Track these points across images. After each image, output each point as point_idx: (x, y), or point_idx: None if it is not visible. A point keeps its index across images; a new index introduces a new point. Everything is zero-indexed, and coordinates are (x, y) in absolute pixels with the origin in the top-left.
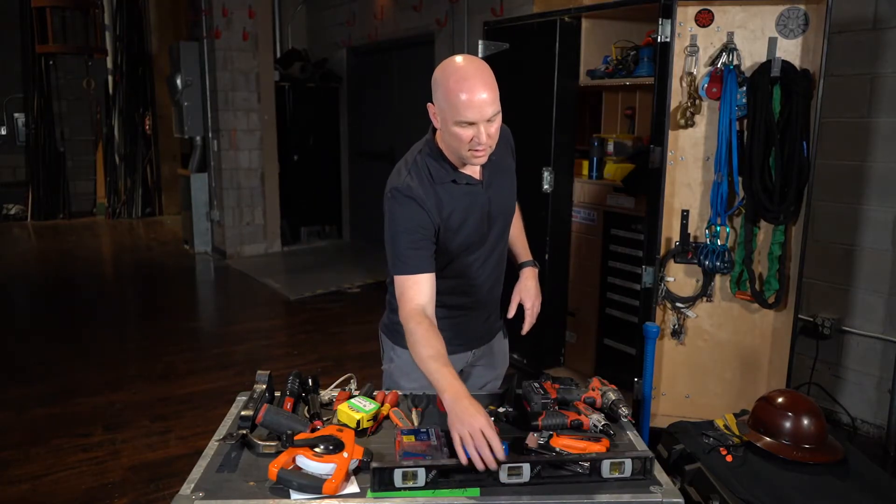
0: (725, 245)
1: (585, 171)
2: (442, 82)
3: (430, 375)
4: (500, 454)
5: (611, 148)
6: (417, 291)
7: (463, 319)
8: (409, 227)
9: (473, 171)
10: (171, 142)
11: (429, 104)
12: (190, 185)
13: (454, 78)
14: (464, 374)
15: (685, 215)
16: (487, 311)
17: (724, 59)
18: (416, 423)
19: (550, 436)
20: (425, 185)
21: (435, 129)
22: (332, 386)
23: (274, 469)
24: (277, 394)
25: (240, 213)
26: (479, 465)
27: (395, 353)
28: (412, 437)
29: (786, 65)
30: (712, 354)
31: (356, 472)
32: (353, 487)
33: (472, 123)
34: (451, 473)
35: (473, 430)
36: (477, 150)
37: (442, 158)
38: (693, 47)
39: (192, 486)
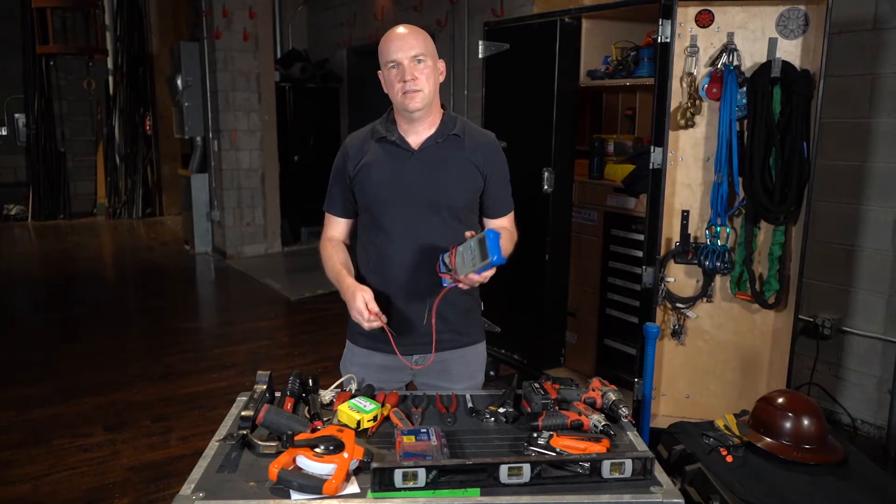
0: (725, 245)
1: (586, 172)
2: (380, 44)
3: (333, 279)
4: (377, 314)
5: (611, 148)
6: (331, 227)
7: (384, 309)
8: (334, 169)
9: (414, 140)
10: (172, 142)
11: (378, 72)
12: (190, 186)
13: (385, 35)
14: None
15: (685, 216)
16: (420, 309)
17: (724, 59)
18: (416, 424)
19: (551, 436)
20: (360, 138)
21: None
22: (333, 386)
23: (274, 469)
24: (278, 394)
25: (240, 214)
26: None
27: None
28: (412, 438)
29: (786, 65)
30: (712, 355)
31: (356, 472)
32: (353, 488)
33: (398, 63)
34: (451, 473)
35: (358, 311)
36: (408, 92)
37: (390, 121)
38: (693, 48)
39: (193, 486)
